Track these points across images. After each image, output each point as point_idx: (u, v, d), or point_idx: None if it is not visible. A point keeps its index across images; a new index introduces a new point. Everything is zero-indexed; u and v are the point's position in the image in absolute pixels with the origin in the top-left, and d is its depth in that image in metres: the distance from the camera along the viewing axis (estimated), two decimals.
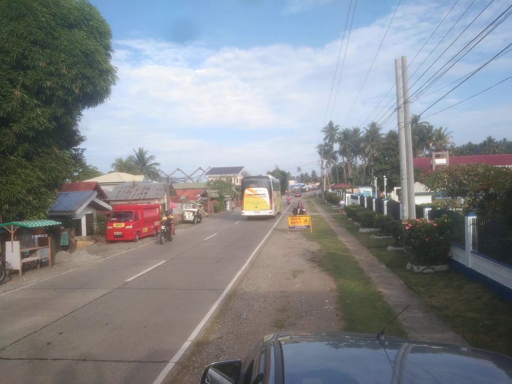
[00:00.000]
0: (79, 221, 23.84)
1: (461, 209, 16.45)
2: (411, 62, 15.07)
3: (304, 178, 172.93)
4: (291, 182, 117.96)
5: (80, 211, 22.59)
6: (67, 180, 22.28)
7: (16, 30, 13.73)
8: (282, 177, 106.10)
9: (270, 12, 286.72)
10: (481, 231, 10.48)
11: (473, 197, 15.00)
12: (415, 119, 74.96)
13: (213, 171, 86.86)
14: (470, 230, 10.93)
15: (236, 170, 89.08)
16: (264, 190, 34.63)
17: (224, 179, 62.30)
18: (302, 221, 25.43)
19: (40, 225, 15.51)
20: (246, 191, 34.99)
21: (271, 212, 34.77)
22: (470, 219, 10.99)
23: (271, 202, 34.66)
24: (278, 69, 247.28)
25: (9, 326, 8.72)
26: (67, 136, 18.59)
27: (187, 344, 7.29)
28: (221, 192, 55.94)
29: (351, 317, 8.38)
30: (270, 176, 38.49)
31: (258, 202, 34.37)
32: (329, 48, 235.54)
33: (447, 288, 10.21)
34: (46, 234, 16.96)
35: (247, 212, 34.81)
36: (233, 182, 72.72)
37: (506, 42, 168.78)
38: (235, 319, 8.62)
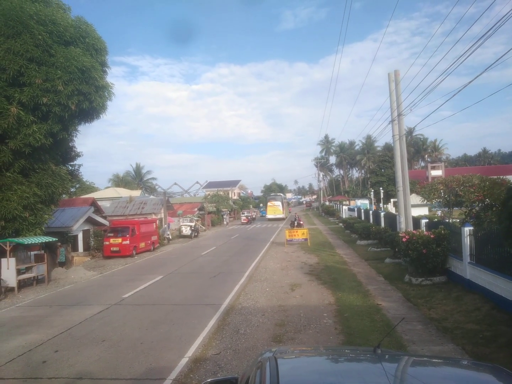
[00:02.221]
0: (75, 237, 23.71)
1: (458, 220, 16.47)
2: (404, 75, 15.30)
3: (301, 191, 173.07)
4: (288, 195, 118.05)
5: (76, 227, 22.47)
6: (63, 196, 22.22)
7: (13, 47, 13.83)
8: (279, 190, 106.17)
9: (264, 29, 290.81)
10: (478, 242, 10.49)
11: (469, 208, 15.06)
12: (410, 132, 75.46)
13: (210, 185, 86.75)
14: (467, 241, 10.93)
15: (233, 183, 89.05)
16: (279, 203, 57.04)
17: (221, 193, 62.22)
18: (300, 234, 25.38)
19: (36, 242, 15.40)
20: (269, 203, 57.82)
21: (282, 216, 56.11)
22: (467, 230, 11.01)
23: (283, 210, 57.38)
24: (273, 84, 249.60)
25: (4, 345, 8.59)
26: (64, 152, 18.58)
27: (184, 360, 7.21)
28: (218, 206, 55.83)
29: (350, 330, 8.32)
30: (282, 195, 67.75)
31: (276, 210, 56.08)
32: (323, 63, 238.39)
33: (445, 300, 10.17)
34: (43, 251, 16.83)
35: (269, 215, 56.39)
36: (230, 196, 72.69)
37: (496, 56, 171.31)
38: (233, 334, 8.54)
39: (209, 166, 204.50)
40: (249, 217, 54.21)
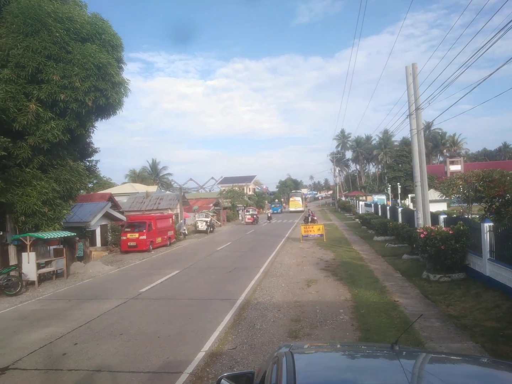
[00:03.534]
0: (93, 232, 24.06)
1: (477, 216, 16.16)
2: (421, 68, 15.00)
3: (316, 187, 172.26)
4: (304, 191, 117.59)
5: (94, 222, 22.80)
6: (81, 191, 22.54)
7: (32, 45, 14.05)
8: (295, 186, 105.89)
9: (279, 23, 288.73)
10: (498, 238, 10.27)
11: (489, 204, 14.74)
12: (428, 126, 74.23)
13: (225, 180, 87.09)
14: (486, 237, 10.71)
15: (248, 179, 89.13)
16: (299, 198, 67.99)
17: (236, 188, 62.36)
18: (316, 230, 25.26)
19: (55, 236, 15.68)
20: (291, 199, 68.16)
21: (302, 208, 64.47)
22: (487, 226, 10.79)
23: (302, 203, 68.08)
24: (288, 79, 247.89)
25: (26, 337, 8.80)
26: (81, 148, 18.85)
27: (201, 354, 7.26)
28: (234, 201, 56.00)
29: (367, 327, 8.26)
30: (301, 192, 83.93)
31: (297, 204, 65.92)
32: (339, 57, 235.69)
33: (464, 297, 10.00)
34: (61, 245, 17.14)
35: (291, 208, 65.60)
36: (245, 191, 72.80)
37: None
38: (249, 329, 8.56)
39: (224, 161, 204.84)
40: (254, 216, 46.00)
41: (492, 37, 9.01)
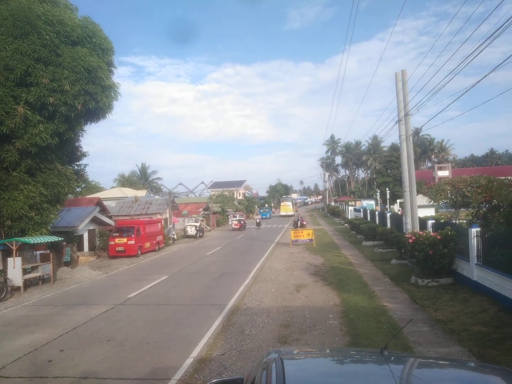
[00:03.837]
0: (81, 236, 23.81)
1: (465, 221, 16.35)
2: (411, 75, 15.19)
3: (306, 192, 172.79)
4: (294, 196, 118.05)
5: (82, 227, 22.57)
6: (69, 195, 22.33)
7: (21, 48, 13.92)
8: (285, 191, 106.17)
9: (270, 29, 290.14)
10: (486, 243, 10.39)
11: (476, 209, 14.92)
12: (417, 132, 74.96)
13: (216, 185, 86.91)
14: (474, 242, 10.83)
15: (239, 184, 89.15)
16: (290, 203, 71.13)
17: (226, 193, 62.29)
18: (305, 235, 25.31)
19: (42, 241, 15.47)
20: (282, 203, 72.54)
21: (292, 213, 66.06)
22: (474, 231, 10.91)
23: (293, 208, 70.75)
24: (279, 84, 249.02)
25: (10, 344, 8.63)
26: (70, 152, 18.67)
27: (189, 361, 7.20)
28: (224, 206, 55.89)
29: (356, 332, 8.27)
30: (292, 196, 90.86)
31: (287, 208, 68.86)
32: (329, 63, 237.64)
33: (452, 301, 10.08)
34: (48, 250, 16.91)
35: (282, 212, 68.64)
36: (235, 196, 72.77)
37: (504, 55, 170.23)
38: (238, 335, 8.52)
39: (214, 166, 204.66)
40: (241, 222, 43.64)
41: (480, 45, 9.17)
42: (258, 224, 44.85)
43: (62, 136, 15.68)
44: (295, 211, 69.90)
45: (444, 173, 57.26)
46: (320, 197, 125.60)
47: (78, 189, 40.00)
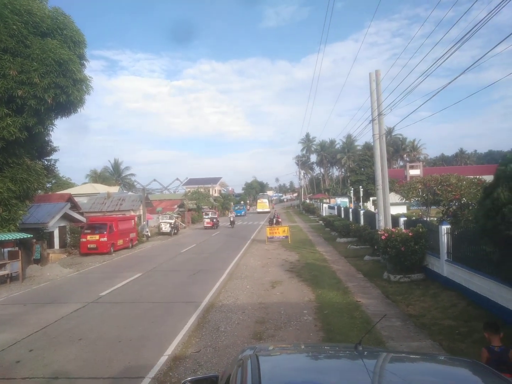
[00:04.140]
0: (51, 233, 23.17)
1: (436, 219, 16.78)
2: (384, 75, 15.46)
3: (282, 189, 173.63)
4: (269, 193, 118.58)
5: (52, 223, 21.97)
6: (39, 191, 21.67)
7: None
8: (260, 188, 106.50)
9: (246, 26, 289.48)
10: (455, 240, 10.69)
11: (446, 207, 15.34)
12: (389, 131, 76.59)
13: (191, 182, 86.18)
14: (444, 239, 11.12)
15: (214, 181, 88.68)
16: (266, 200, 73.68)
17: (202, 190, 61.91)
18: (281, 232, 25.43)
19: (10, 238, 14.98)
20: (259, 200, 73.90)
21: (268, 209, 67.32)
22: (444, 228, 11.20)
23: (269, 205, 72.97)
24: (255, 82, 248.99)
25: None
26: (39, 147, 18.14)
27: (163, 359, 7.11)
28: (199, 203, 55.50)
29: (330, 327, 8.37)
30: (268, 194, 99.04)
31: (264, 205, 70.15)
32: (305, 62, 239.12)
33: (423, 297, 10.34)
34: (17, 247, 16.38)
35: (259, 209, 69.45)
36: (211, 193, 72.40)
37: (473, 59, 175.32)
38: (213, 332, 8.48)
39: (190, 163, 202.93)
40: (214, 220, 40.66)
41: (450, 48, 9.40)
42: (232, 223, 40.99)
43: (31, 130, 15.19)
44: (272, 208, 70.28)
45: (415, 172, 58.52)
46: (295, 194, 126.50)
47: (48, 185, 38.93)
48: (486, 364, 4.78)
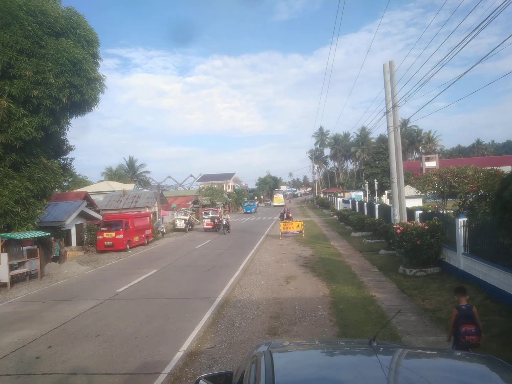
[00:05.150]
0: (68, 231, 23.55)
1: (452, 211, 16.54)
2: (398, 66, 15.21)
3: (296, 183, 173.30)
4: (283, 188, 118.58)
5: (69, 221, 22.31)
6: (56, 190, 22.03)
7: (2, 39, 13.60)
8: (274, 183, 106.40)
9: (258, 20, 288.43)
10: (472, 232, 10.52)
11: (463, 199, 15.09)
12: (404, 123, 75.58)
13: (205, 178, 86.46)
14: (461, 232, 10.96)
15: (228, 176, 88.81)
16: (281, 195, 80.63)
17: (215, 185, 61.99)
18: (295, 227, 25.38)
19: (28, 237, 15.26)
20: (275, 195, 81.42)
21: (283, 203, 70.66)
22: (461, 221, 11.03)
23: (284, 199, 79.63)
24: (267, 76, 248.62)
25: None
26: (56, 146, 18.39)
27: (179, 354, 7.18)
28: (213, 199, 55.70)
29: (345, 322, 8.33)
30: (283, 189, 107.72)
31: (279, 199, 77.02)
32: (317, 54, 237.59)
33: (439, 291, 10.21)
34: (35, 246, 16.69)
35: (275, 203, 75.85)
36: (224, 189, 72.57)
37: (490, 47, 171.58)
38: (228, 327, 8.52)
39: (203, 159, 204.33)
40: (215, 220, 32.76)
41: (466, 36, 9.19)
42: (225, 228, 29.74)
43: (47, 130, 15.40)
44: (288, 202, 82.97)
45: (431, 164, 57.63)
46: (309, 189, 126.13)
47: (65, 183, 39.49)
48: (455, 319, 5.79)
